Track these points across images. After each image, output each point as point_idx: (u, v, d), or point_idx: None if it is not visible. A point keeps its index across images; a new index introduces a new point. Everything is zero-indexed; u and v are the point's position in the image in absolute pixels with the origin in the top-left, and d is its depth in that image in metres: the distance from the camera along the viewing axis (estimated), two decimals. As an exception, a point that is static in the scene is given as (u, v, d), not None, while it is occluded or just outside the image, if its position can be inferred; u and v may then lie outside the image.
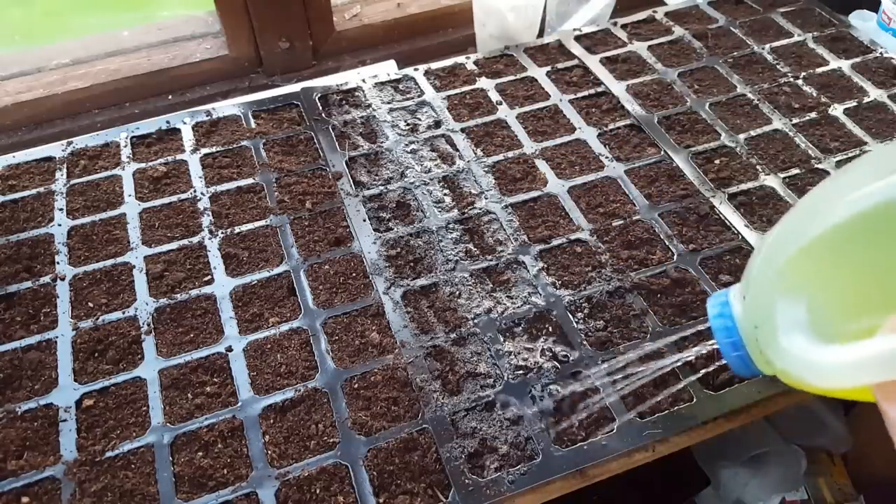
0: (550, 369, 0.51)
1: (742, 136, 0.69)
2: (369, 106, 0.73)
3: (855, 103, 0.72)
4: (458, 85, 0.76)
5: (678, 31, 0.82)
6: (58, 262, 0.58)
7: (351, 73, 0.82)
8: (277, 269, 0.58)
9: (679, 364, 0.45)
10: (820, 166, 0.65)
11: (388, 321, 0.54)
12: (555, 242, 0.60)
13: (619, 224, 0.61)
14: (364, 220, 0.62)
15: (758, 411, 0.50)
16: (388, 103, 0.74)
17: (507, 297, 0.56)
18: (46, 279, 0.57)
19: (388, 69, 0.82)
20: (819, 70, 0.76)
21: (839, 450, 0.97)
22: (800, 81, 0.75)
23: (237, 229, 0.61)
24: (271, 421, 0.49)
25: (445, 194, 0.64)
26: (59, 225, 0.61)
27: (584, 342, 0.52)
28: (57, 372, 0.51)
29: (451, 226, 0.61)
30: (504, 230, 0.61)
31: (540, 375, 0.50)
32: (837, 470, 0.99)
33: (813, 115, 0.71)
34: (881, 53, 0.78)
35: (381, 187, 0.65)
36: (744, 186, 0.64)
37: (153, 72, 0.81)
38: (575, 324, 0.54)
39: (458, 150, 0.68)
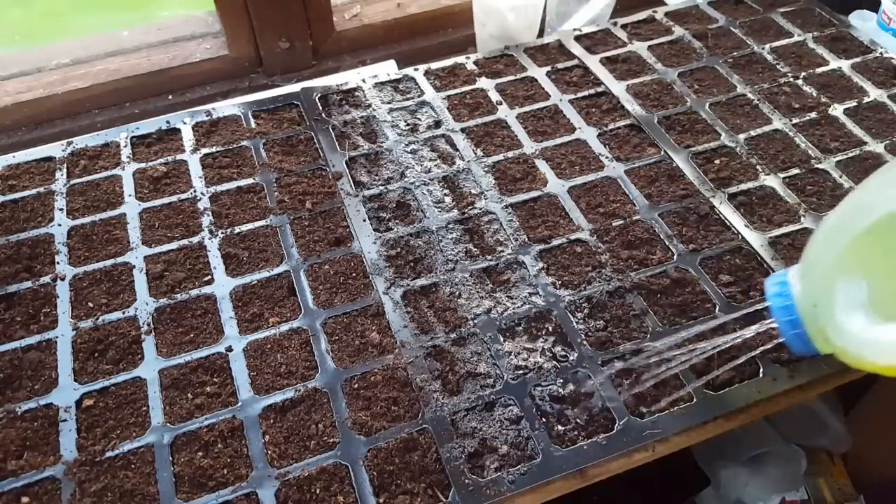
0: (550, 369, 0.51)
1: (742, 136, 0.69)
2: (369, 106, 0.73)
3: (855, 103, 0.72)
4: (458, 85, 0.76)
5: (678, 31, 0.82)
6: (58, 262, 0.58)
7: (351, 73, 0.82)
8: (277, 269, 0.58)
9: (740, 340, 0.45)
10: (820, 166, 0.65)
11: (388, 321, 0.54)
12: (555, 242, 0.60)
13: (619, 224, 0.61)
14: (364, 220, 0.62)
15: (758, 411, 0.50)
16: (388, 103, 0.74)
17: (507, 297, 0.56)
18: (46, 279, 0.57)
19: (388, 69, 0.82)
20: (819, 70, 0.76)
21: (839, 450, 0.97)
22: (800, 81, 0.75)
23: (237, 229, 0.61)
24: (271, 421, 0.49)
25: (445, 194, 0.64)
26: (59, 225, 0.61)
27: (584, 342, 0.52)
28: (57, 372, 0.51)
29: (451, 226, 0.61)
30: (504, 230, 0.61)
31: (540, 375, 0.50)
32: (837, 470, 0.99)
33: (813, 115, 0.71)
34: (881, 53, 0.78)
35: (381, 187, 0.65)
36: (744, 186, 0.64)
37: (153, 72, 0.81)
38: (575, 324, 0.54)
39: (458, 150, 0.68)
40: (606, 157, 0.67)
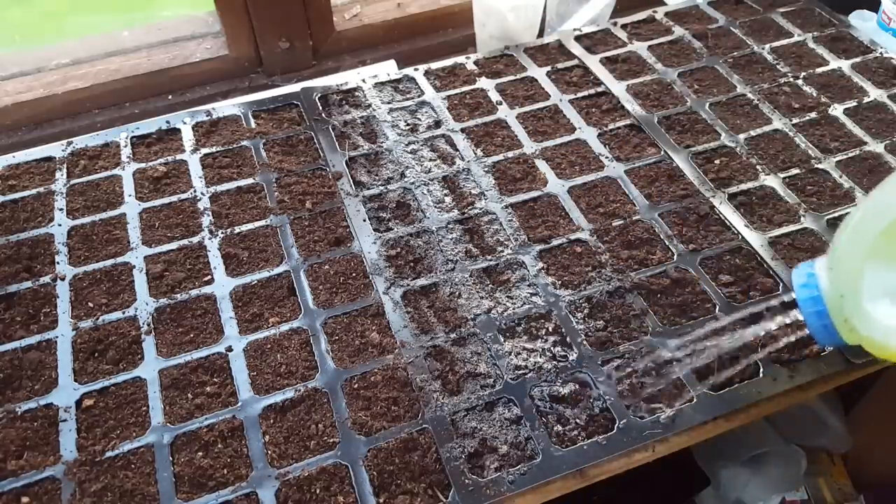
0: (550, 369, 0.51)
1: (742, 136, 0.69)
2: (369, 106, 0.73)
3: (855, 103, 0.72)
4: (458, 85, 0.76)
5: (678, 31, 0.82)
6: (58, 262, 0.58)
7: (351, 73, 0.82)
8: (277, 269, 0.58)
9: (762, 334, 0.46)
10: (820, 166, 0.65)
11: (388, 321, 0.54)
12: (555, 242, 0.60)
13: (619, 224, 0.61)
14: (364, 220, 0.62)
15: (758, 411, 0.50)
16: (388, 103, 0.74)
17: (507, 297, 0.56)
18: (46, 279, 0.57)
19: (388, 69, 0.82)
20: (819, 70, 0.76)
21: (839, 450, 0.97)
22: (800, 81, 0.75)
23: (237, 229, 0.61)
24: (271, 421, 0.49)
25: (445, 194, 0.64)
26: (59, 225, 0.61)
27: (584, 342, 0.52)
28: (57, 372, 0.51)
29: (451, 226, 0.61)
30: (504, 230, 0.61)
31: (540, 375, 0.50)
32: (837, 470, 0.99)
33: (813, 115, 0.71)
34: (881, 53, 0.78)
35: (381, 187, 0.65)
36: (744, 186, 0.64)
37: (153, 72, 0.81)
38: (575, 324, 0.54)
39: (458, 150, 0.68)
40: (606, 157, 0.67)
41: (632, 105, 0.72)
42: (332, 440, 0.47)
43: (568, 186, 0.64)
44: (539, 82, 0.76)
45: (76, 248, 0.60)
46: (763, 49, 0.79)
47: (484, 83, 0.76)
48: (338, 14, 0.88)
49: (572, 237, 0.60)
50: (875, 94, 0.73)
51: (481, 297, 0.56)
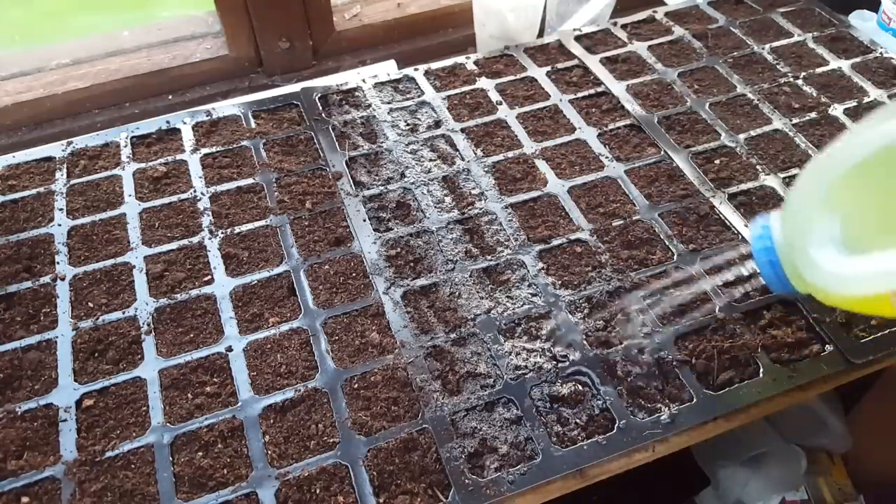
0: (550, 369, 0.51)
1: (742, 136, 0.69)
2: (369, 106, 0.73)
3: (855, 103, 0.72)
4: (458, 85, 0.76)
5: (678, 31, 0.82)
6: (58, 262, 0.58)
7: (351, 73, 0.82)
8: (277, 269, 0.58)
9: (720, 283, 0.49)
10: (820, 166, 0.65)
11: (388, 321, 0.54)
12: (555, 242, 0.60)
13: (619, 224, 0.61)
14: (364, 220, 0.62)
15: (758, 411, 0.50)
16: (388, 103, 0.74)
17: (507, 297, 0.56)
18: (46, 279, 0.57)
19: (388, 69, 0.82)
20: (819, 70, 0.76)
21: (839, 450, 0.97)
22: (800, 81, 0.75)
23: (237, 229, 0.61)
24: (271, 421, 0.49)
25: (445, 194, 0.64)
26: (59, 225, 0.61)
27: (584, 342, 0.52)
28: (57, 372, 0.51)
29: (451, 226, 0.61)
30: (504, 230, 0.61)
31: (540, 375, 0.50)
32: (837, 470, 0.99)
33: (813, 115, 0.71)
34: (881, 53, 0.78)
35: (381, 187, 0.65)
36: (744, 186, 0.64)
37: (153, 72, 0.81)
38: (575, 324, 0.54)
39: (458, 150, 0.68)
40: (606, 157, 0.67)
41: (632, 105, 0.72)
42: (332, 440, 0.47)
43: (568, 186, 0.64)
44: (539, 82, 0.76)
45: (76, 248, 0.60)
46: (763, 49, 0.79)
47: (484, 83, 0.76)
48: (338, 14, 0.88)
49: (572, 237, 0.60)
50: (875, 94, 0.73)
51: (481, 297, 0.56)
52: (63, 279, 0.57)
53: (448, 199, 0.64)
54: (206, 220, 0.62)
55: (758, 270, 0.43)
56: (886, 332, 0.52)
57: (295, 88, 0.76)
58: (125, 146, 0.69)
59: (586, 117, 0.72)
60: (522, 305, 0.55)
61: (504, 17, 0.80)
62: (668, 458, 0.49)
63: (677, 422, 0.48)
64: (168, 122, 0.71)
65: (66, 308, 0.55)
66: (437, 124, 0.71)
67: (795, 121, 0.70)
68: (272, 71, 0.85)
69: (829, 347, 0.52)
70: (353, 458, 0.46)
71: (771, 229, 0.41)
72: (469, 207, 0.63)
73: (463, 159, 0.67)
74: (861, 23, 0.84)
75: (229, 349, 0.52)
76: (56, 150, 0.69)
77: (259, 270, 0.58)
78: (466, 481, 0.45)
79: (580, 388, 0.50)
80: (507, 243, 0.60)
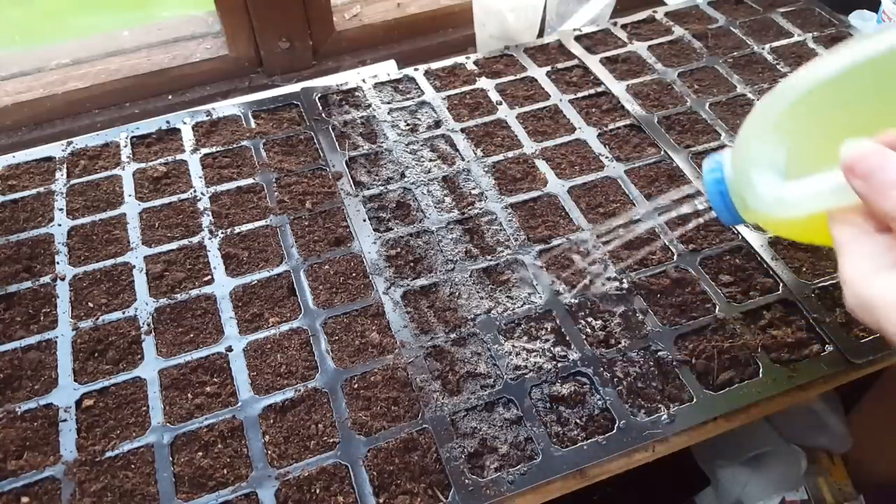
0: (550, 369, 0.51)
1: (742, 136, 0.68)
2: (369, 106, 0.73)
3: (855, 103, 0.72)
4: (458, 85, 0.76)
5: (678, 31, 0.82)
6: (58, 262, 0.58)
7: (351, 73, 0.82)
8: (277, 269, 0.58)
9: (674, 215, 0.51)
10: (820, 166, 0.65)
11: (388, 321, 0.54)
12: (555, 242, 0.60)
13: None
14: (364, 220, 0.62)
15: (758, 411, 0.50)
16: (388, 103, 0.74)
17: (507, 297, 0.56)
18: (46, 279, 0.57)
19: (388, 69, 0.82)
20: (819, 70, 0.76)
21: (839, 450, 0.97)
22: (800, 81, 0.75)
23: (237, 229, 0.61)
24: (271, 421, 0.49)
25: (445, 194, 0.64)
26: (59, 225, 0.61)
27: (584, 342, 0.52)
28: (57, 372, 0.51)
29: (451, 226, 0.61)
30: (504, 230, 0.61)
31: (540, 375, 0.50)
32: (837, 470, 0.99)
33: (813, 115, 0.71)
34: (881, 53, 0.78)
35: (381, 187, 0.65)
36: (744, 186, 0.64)
37: (153, 72, 0.81)
38: (575, 324, 0.54)
39: (458, 150, 0.68)
40: (606, 157, 0.67)
41: (632, 105, 0.72)
42: (332, 440, 0.47)
43: (568, 186, 0.64)
44: (539, 82, 0.76)
45: (76, 248, 0.60)
46: (763, 49, 0.79)
47: (484, 83, 0.76)
48: (338, 14, 0.88)
49: (572, 237, 0.60)
50: (875, 94, 0.73)
51: (481, 297, 0.56)
52: (63, 279, 0.57)
53: (448, 199, 0.64)
54: (206, 220, 0.62)
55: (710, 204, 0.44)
56: (886, 332, 0.52)
57: (295, 88, 0.76)
58: (125, 146, 0.69)
59: (586, 117, 0.72)
60: (522, 305, 0.55)
61: (504, 17, 0.80)
62: (668, 458, 0.49)
63: (677, 422, 0.48)
64: (168, 122, 0.71)
65: (66, 308, 0.55)
66: (437, 124, 0.71)
67: (795, 121, 0.70)
68: (272, 71, 0.85)
69: (829, 347, 0.52)
70: (353, 458, 0.46)
71: (723, 163, 0.42)
72: (469, 207, 0.63)
73: (463, 159, 0.67)
74: (861, 23, 0.84)
75: (229, 349, 0.52)
76: (56, 150, 0.69)
77: (259, 270, 0.58)
78: (466, 481, 0.45)
79: (580, 388, 0.50)
80: (507, 243, 0.60)
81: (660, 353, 0.52)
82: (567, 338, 0.53)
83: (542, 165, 0.66)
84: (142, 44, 0.84)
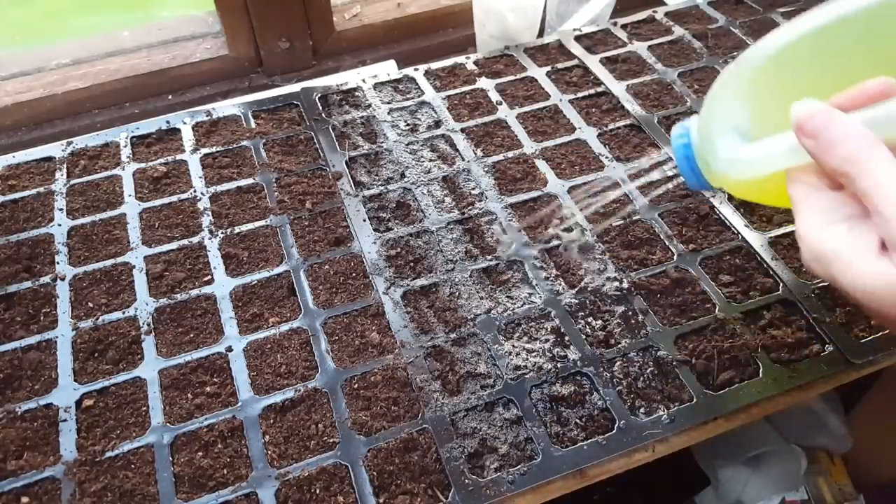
0: (550, 369, 0.51)
1: (742, 136, 0.68)
2: (369, 106, 0.73)
3: (855, 103, 0.72)
4: (458, 85, 0.76)
5: (678, 31, 0.82)
6: (58, 262, 0.58)
7: (351, 73, 0.82)
8: (277, 269, 0.58)
9: (646, 182, 0.53)
10: (820, 166, 0.65)
11: (388, 321, 0.54)
12: (555, 242, 0.60)
13: (619, 224, 0.61)
14: (364, 220, 0.62)
15: (758, 411, 0.50)
16: (388, 103, 0.74)
17: (507, 297, 0.56)
18: (46, 279, 0.57)
19: (388, 69, 0.82)
20: (819, 70, 0.76)
21: (839, 450, 0.97)
22: (800, 81, 0.75)
23: (237, 229, 0.61)
24: (271, 421, 0.49)
25: (445, 194, 0.64)
26: (59, 225, 0.61)
27: (584, 342, 0.52)
28: (57, 372, 0.51)
29: (451, 226, 0.61)
30: (504, 230, 0.61)
31: (539, 375, 0.50)
32: (837, 470, 0.99)
33: (813, 115, 0.70)
34: (881, 53, 0.78)
35: (381, 187, 0.65)
36: (744, 186, 0.64)
37: (153, 72, 0.81)
38: (575, 324, 0.54)
39: (458, 150, 0.68)
40: (606, 158, 0.67)
41: (632, 105, 0.72)
42: (332, 440, 0.47)
43: (568, 186, 0.64)
44: (539, 82, 0.76)
45: (76, 248, 0.60)
46: (763, 49, 0.79)
47: (484, 83, 0.76)
48: (338, 14, 0.88)
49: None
50: (875, 94, 0.73)
51: (481, 298, 0.56)
52: (63, 279, 0.57)
53: (448, 199, 0.64)
54: (206, 220, 0.62)
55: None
56: (886, 332, 0.52)
57: (295, 88, 0.76)
58: (125, 146, 0.69)
59: (586, 117, 0.72)
60: (522, 305, 0.55)
61: (504, 17, 0.80)
62: (668, 458, 0.49)
63: (677, 422, 0.48)
64: (168, 122, 0.71)
65: (66, 308, 0.55)
66: (437, 124, 0.71)
67: (795, 121, 0.70)
68: (272, 71, 0.85)
69: (829, 347, 0.52)
70: (353, 458, 0.46)
71: (690, 128, 0.43)
72: (469, 207, 0.63)
73: (463, 159, 0.67)
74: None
75: (229, 349, 0.52)
76: (56, 150, 0.69)
77: (259, 270, 0.58)
78: (466, 481, 0.45)
79: (580, 388, 0.50)
80: (507, 243, 0.60)
81: (660, 353, 0.52)
82: (567, 338, 0.53)
83: (542, 165, 0.66)
84: (142, 44, 0.84)
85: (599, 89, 0.75)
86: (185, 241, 0.60)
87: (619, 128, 0.70)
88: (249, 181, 0.65)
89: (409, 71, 0.78)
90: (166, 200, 0.64)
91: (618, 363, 0.51)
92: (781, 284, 0.56)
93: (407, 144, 0.69)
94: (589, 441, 0.47)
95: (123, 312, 0.55)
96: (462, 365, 0.51)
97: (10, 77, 0.80)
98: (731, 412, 0.49)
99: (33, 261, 0.59)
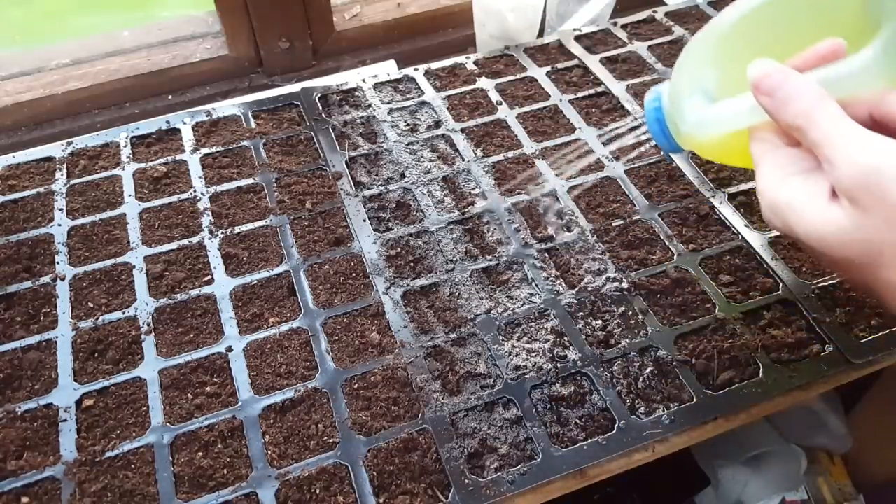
0: (550, 369, 0.51)
1: (742, 136, 0.68)
2: (369, 106, 0.73)
3: (855, 103, 0.72)
4: (458, 85, 0.76)
5: (678, 30, 0.82)
6: (58, 262, 0.58)
7: (351, 73, 0.82)
8: (277, 269, 0.58)
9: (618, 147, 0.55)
10: (820, 166, 0.65)
11: (388, 321, 0.54)
12: (555, 242, 0.60)
13: (619, 224, 0.61)
14: (364, 220, 0.62)
15: (758, 411, 0.50)
16: (388, 103, 0.74)
17: (507, 297, 0.56)
18: (46, 279, 0.57)
19: (388, 69, 0.82)
20: (819, 70, 0.76)
21: (839, 450, 0.97)
22: (800, 81, 0.75)
23: (237, 229, 0.61)
24: (271, 421, 0.49)
25: (445, 194, 0.64)
26: (59, 225, 0.61)
27: (584, 342, 0.52)
28: (57, 372, 0.51)
29: (451, 226, 0.61)
30: (504, 230, 0.61)
31: (539, 375, 0.50)
32: (837, 470, 0.99)
33: (813, 115, 0.70)
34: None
35: (381, 187, 0.65)
36: (744, 186, 0.64)
37: (153, 72, 0.81)
38: (575, 324, 0.54)
39: (458, 150, 0.68)
40: (606, 157, 0.67)
41: (632, 105, 0.72)
42: (332, 440, 0.47)
43: (568, 186, 0.64)
44: (539, 82, 0.76)
45: (76, 248, 0.60)
46: (763, 49, 0.79)
47: (484, 83, 0.76)
48: (338, 14, 0.88)
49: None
50: (875, 94, 0.73)
51: (481, 298, 0.56)
52: (63, 279, 0.57)
53: (448, 199, 0.64)
54: (206, 220, 0.62)
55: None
56: (886, 332, 0.52)
57: (295, 88, 0.76)
58: (125, 146, 0.69)
59: (586, 117, 0.72)
60: (522, 305, 0.55)
61: (504, 17, 0.80)
62: (668, 458, 0.49)
63: (677, 422, 0.48)
64: (168, 122, 0.71)
65: (66, 308, 0.55)
66: (437, 124, 0.71)
67: (795, 121, 0.70)
68: (272, 71, 0.85)
69: (829, 347, 0.52)
70: (353, 458, 0.46)
71: (662, 93, 0.44)
72: (469, 207, 0.63)
73: (463, 159, 0.67)
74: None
75: (229, 349, 0.52)
76: (56, 150, 0.69)
77: (259, 270, 0.58)
78: (466, 481, 0.45)
79: (580, 388, 0.50)
80: (507, 243, 0.60)
81: (660, 354, 0.52)
82: (567, 338, 0.53)
83: (542, 165, 0.66)
84: (142, 44, 0.84)
85: (599, 89, 0.75)
86: (185, 241, 0.60)
87: (619, 128, 0.70)
88: (249, 181, 0.65)
89: (409, 71, 0.78)
90: (166, 200, 0.64)
91: (618, 363, 0.51)
92: (781, 284, 0.56)
93: (407, 144, 0.69)
94: (589, 441, 0.47)
95: (123, 312, 0.55)
96: (462, 365, 0.51)
97: (10, 77, 0.80)
98: (731, 412, 0.49)
99: (33, 261, 0.59)
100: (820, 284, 0.56)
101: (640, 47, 0.80)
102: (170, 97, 0.83)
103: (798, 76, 0.34)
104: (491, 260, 0.58)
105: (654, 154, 0.65)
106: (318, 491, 0.45)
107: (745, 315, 0.54)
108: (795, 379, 0.50)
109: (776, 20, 0.39)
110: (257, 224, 0.61)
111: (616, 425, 0.48)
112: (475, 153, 0.68)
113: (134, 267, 0.58)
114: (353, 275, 0.58)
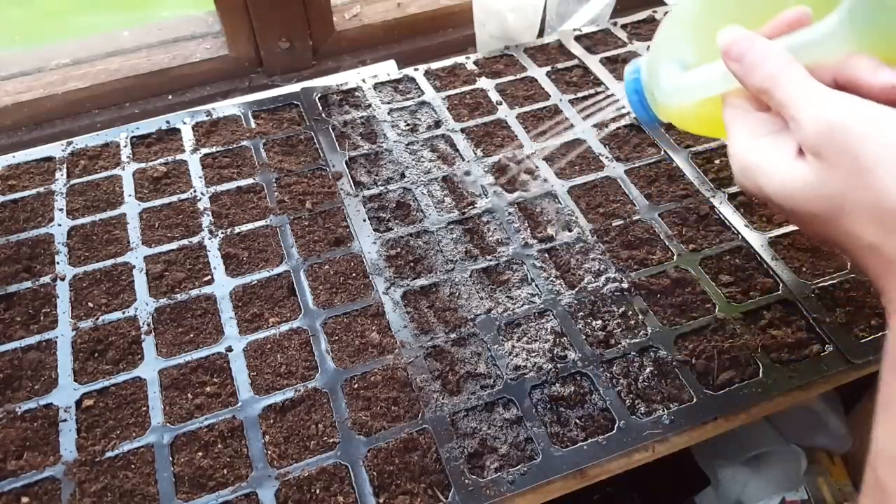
0: (550, 369, 0.51)
1: (742, 136, 0.68)
2: (369, 106, 0.73)
3: (855, 103, 0.72)
4: (458, 85, 0.76)
5: (678, 31, 0.82)
6: (58, 262, 0.58)
7: (351, 73, 0.82)
8: (277, 269, 0.58)
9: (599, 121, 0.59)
10: (820, 166, 0.65)
11: (388, 321, 0.54)
12: (555, 242, 0.60)
13: (619, 224, 0.61)
14: (364, 220, 0.62)
15: (758, 411, 0.50)
16: (388, 103, 0.74)
17: (507, 297, 0.56)
18: (46, 279, 0.57)
19: (388, 69, 0.82)
20: (819, 70, 0.76)
21: (839, 450, 0.97)
22: (800, 81, 0.75)
23: (237, 229, 0.61)
24: (271, 421, 0.49)
25: (445, 194, 0.64)
26: (59, 225, 0.61)
27: (584, 342, 0.52)
28: (57, 372, 0.51)
29: (451, 226, 0.61)
30: (504, 230, 0.61)
31: (539, 375, 0.50)
32: (837, 470, 0.99)
33: (813, 115, 0.70)
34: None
35: (381, 187, 0.65)
36: (744, 186, 0.64)
37: (153, 72, 0.81)
38: (575, 324, 0.54)
39: (458, 150, 0.68)
40: (606, 158, 0.67)
41: (632, 105, 0.72)
42: (332, 440, 0.47)
43: (568, 186, 0.64)
44: (539, 82, 0.76)
45: (76, 248, 0.60)
46: (763, 49, 0.79)
47: (484, 83, 0.76)
48: (338, 14, 0.88)
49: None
50: (875, 94, 0.73)
51: (481, 298, 0.56)
52: (63, 279, 0.57)
53: (448, 199, 0.64)
54: (206, 220, 0.62)
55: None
56: (886, 332, 0.52)
57: (295, 88, 0.76)
58: (125, 146, 0.69)
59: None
60: (522, 305, 0.55)
61: (504, 17, 0.80)
62: (668, 458, 0.49)
63: (677, 422, 0.48)
64: (168, 122, 0.71)
65: (66, 308, 0.55)
66: (437, 124, 0.71)
67: (795, 121, 0.70)
68: (272, 71, 0.85)
69: (829, 347, 0.52)
70: (353, 459, 0.46)
71: (641, 66, 0.45)
72: (469, 207, 0.62)
73: (463, 159, 0.67)
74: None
75: (229, 349, 0.52)
76: (56, 150, 0.69)
77: (259, 270, 0.58)
78: (466, 481, 0.45)
79: (580, 388, 0.50)
80: (507, 243, 0.60)
81: (660, 354, 0.52)
82: (567, 338, 0.53)
83: (542, 165, 0.66)
84: (142, 44, 0.84)
85: (599, 89, 0.75)
86: (185, 241, 0.60)
87: (618, 128, 0.70)
88: (249, 181, 0.65)
89: (409, 71, 0.78)
90: (166, 200, 0.64)
91: (617, 363, 0.51)
92: (781, 284, 0.56)
93: (407, 144, 0.69)
94: (589, 441, 0.47)
95: (123, 312, 0.55)
96: (462, 365, 0.51)
97: (10, 77, 0.80)
98: (731, 412, 0.49)
99: (33, 261, 0.59)
100: (820, 284, 0.56)
101: (640, 47, 0.80)
102: (170, 97, 0.83)
103: (765, 42, 0.35)
104: (491, 260, 0.58)
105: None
106: (318, 491, 0.45)
107: (745, 315, 0.54)
108: (795, 379, 0.50)
109: None
110: (257, 224, 0.61)
111: (616, 425, 0.48)
112: (475, 153, 0.68)
113: (134, 267, 0.58)
114: (353, 275, 0.58)
